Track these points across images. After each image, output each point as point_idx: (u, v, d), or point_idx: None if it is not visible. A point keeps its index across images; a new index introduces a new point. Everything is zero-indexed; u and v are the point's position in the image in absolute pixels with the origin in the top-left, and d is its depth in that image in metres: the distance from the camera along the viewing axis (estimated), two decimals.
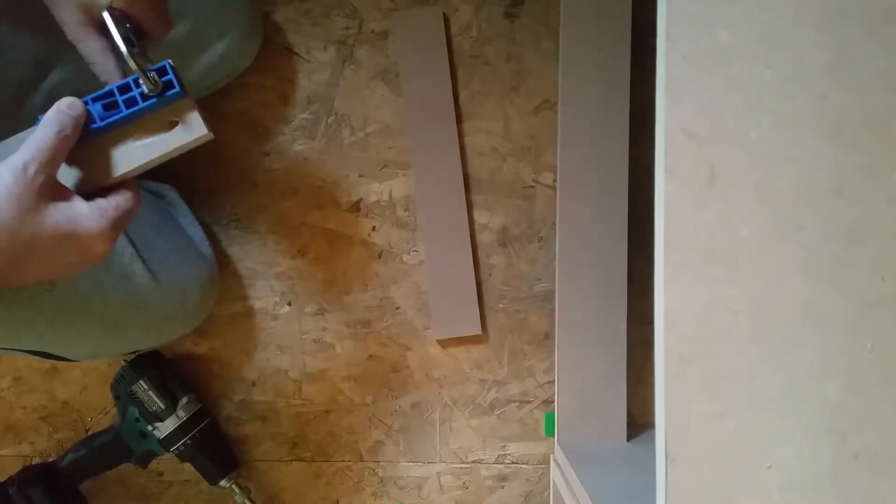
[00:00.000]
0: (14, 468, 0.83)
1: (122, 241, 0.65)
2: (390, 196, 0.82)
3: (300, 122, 0.82)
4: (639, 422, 0.82)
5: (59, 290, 0.59)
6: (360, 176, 0.82)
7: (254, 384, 0.85)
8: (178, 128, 0.49)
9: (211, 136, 0.50)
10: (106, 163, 0.49)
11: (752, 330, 0.34)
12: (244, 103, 0.81)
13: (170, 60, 0.48)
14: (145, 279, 0.66)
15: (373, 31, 0.81)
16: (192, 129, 0.49)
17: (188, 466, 0.84)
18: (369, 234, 0.83)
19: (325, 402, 0.85)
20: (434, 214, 0.81)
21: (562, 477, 0.75)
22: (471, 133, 0.81)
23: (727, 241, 0.34)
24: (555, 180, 0.81)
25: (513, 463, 0.85)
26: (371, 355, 0.84)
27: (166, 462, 0.86)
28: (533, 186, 0.82)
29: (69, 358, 0.69)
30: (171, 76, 0.47)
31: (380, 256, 0.83)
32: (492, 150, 0.81)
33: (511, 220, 0.82)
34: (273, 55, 0.80)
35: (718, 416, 0.34)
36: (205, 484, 0.84)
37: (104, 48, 0.49)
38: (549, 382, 0.84)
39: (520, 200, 0.82)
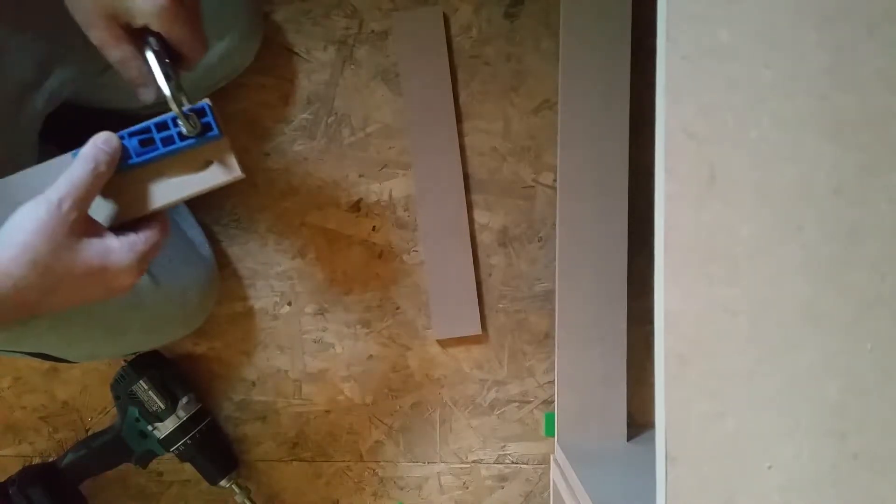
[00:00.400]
0: (14, 468, 0.83)
1: None
2: (390, 196, 0.82)
3: (300, 122, 0.82)
4: (639, 422, 0.82)
5: None
6: (360, 176, 0.82)
7: (254, 384, 0.85)
8: (212, 167, 0.49)
9: (243, 176, 0.50)
10: (139, 196, 0.49)
11: (752, 330, 0.34)
12: (244, 103, 0.81)
13: (209, 101, 0.48)
14: (145, 281, 0.66)
15: (373, 31, 0.81)
16: (226, 171, 0.49)
17: (188, 466, 0.84)
18: (369, 234, 0.83)
19: (325, 402, 0.85)
20: (434, 214, 0.81)
21: (562, 477, 0.75)
22: (471, 133, 0.81)
23: (727, 241, 0.34)
24: (555, 180, 0.81)
25: (513, 463, 0.85)
26: (371, 355, 0.84)
27: (166, 462, 0.86)
28: (533, 186, 0.82)
29: (69, 359, 0.69)
30: (209, 118, 0.48)
31: (380, 256, 0.83)
32: (492, 150, 0.82)
33: (511, 220, 0.82)
34: (273, 55, 0.80)
35: (718, 416, 0.34)
36: (205, 484, 0.84)
37: (134, 55, 0.48)
38: (549, 382, 0.84)
39: (520, 200, 0.82)
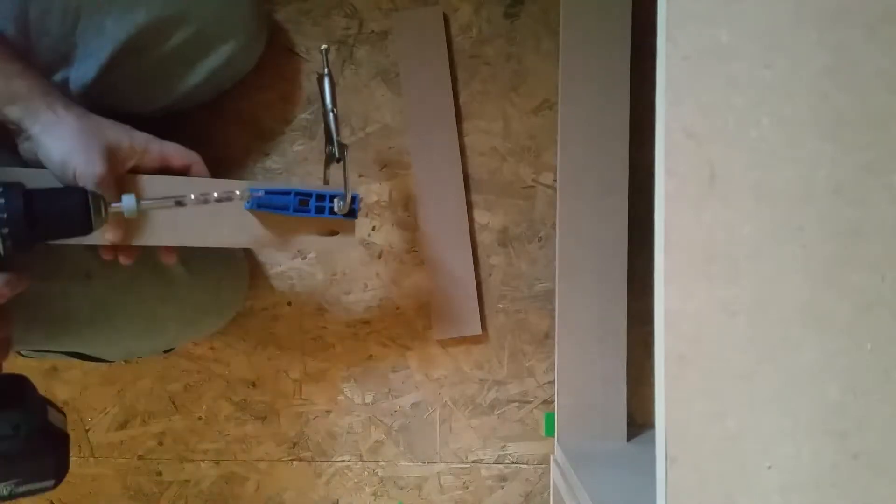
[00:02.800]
0: None
1: None
2: (390, 196, 0.82)
3: (300, 122, 0.82)
4: (639, 422, 0.82)
5: (95, 283, 0.61)
6: (360, 176, 0.82)
7: (254, 384, 0.85)
8: (337, 237, 0.62)
9: (354, 247, 0.67)
10: (275, 234, 0.60)
11: (752, 330, 0.34)
12: (244, 103, 0.81)
13: (360, 195, 0.60)
14: (179, 271, 0.67)
15: (373, 31, 0.81)
16: (346, 242, 0.63)
17: (188, 466, 0.84)
18: (369, 234, 0.83)
19: (325, 402, 0.85)
20: (434, 214, 0.81)
21: (562, 477, 0.75)
22: (471, 133, 0.81)
23: (727, 241, 0.34)
24: (555, 180, 0.81)
25: (513, 463, 0.85)
26: (371, 355, 0.84)
27: (166, 462, 0.86)
28: (533, 186, 0.82)
29: (106, 358, 0.70)
30: (356, 206, 0.60)
31: (380, 256, 0.83)
32: (492, 150, 0.81)
33: (511, 220, 0.82)
34: (273, 55, 0.80)
35: (718, 416, 0.34)
36: (205, 484, 0.85)
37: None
38: (549, 382, 0.84)
39: (520, 200, 0.82)
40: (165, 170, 0.57)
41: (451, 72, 0.80)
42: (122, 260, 0.57)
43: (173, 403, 0.86)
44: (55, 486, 0.53)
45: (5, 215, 0.45)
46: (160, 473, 0.87)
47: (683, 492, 0.33)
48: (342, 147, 0.60)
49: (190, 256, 0.69)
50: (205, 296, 0.72)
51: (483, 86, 0.81)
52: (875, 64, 0.34)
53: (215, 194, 0.54)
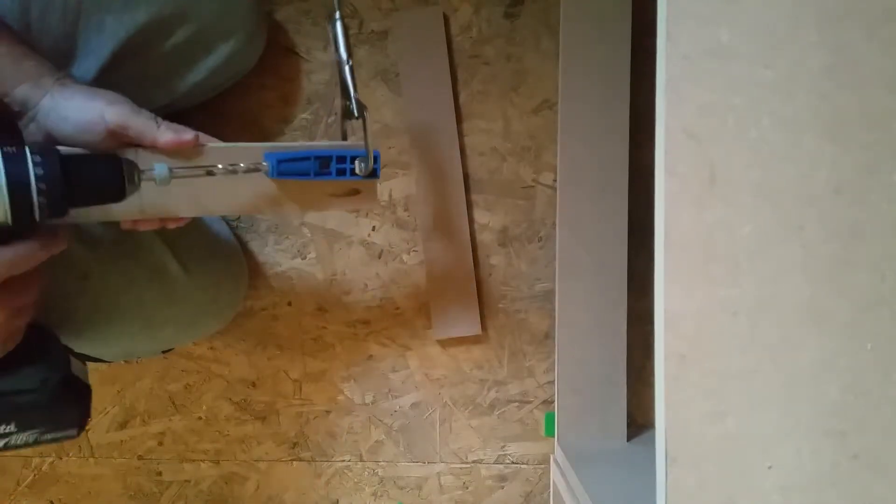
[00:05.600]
0: (14, 468, 0.83)
1: (150, 235, 0.66)
2: (390, 196, 0.82)
3: (300, 122, 0.82)
4: (639, 422, 0.82)
5: (93, 283, 0.61)
6: None
7: (254, 384, 0.85)
8: (358, 196, 0.60)
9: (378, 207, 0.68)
10: (298, 199, 0.59)
11: (752, 330, 0.34)
12: (244, 103, 0.81)
13: (379, 151, 0.57)
14: (177, 272, 0.67)
15: (373, 31, 0.81)
16: (368, 201, 0.61)
17: (188, 466, 0.84)
18: (369, 234, 0.83)
19: (325, 402, 0.85)
20: (434, 214, 0.81)
21: (562, 477, 0.75)
22: (471, 133, 0.81)
23: (727, 241, 0.34)
24: (555, 180, 0.81)
25: (513, 463, 0.85)
26: (371, 355, 0.84)
27: (166, 462, 0.86)
28: (533, 186, 0.82)
29: (105, 359, 0.70)
30: (377, 165, 0.58)
31: (380, 256, 0.83)
32: (492, 150, 0.81)
33: (511, 220, 0.82)
34: (273, 55, 0.80)
35: (718, 416, 0.34)
36: (205, 484, 0.85)
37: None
38: (549, 382, 0.84)
39: (520, 200, 0.82)
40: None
41: (451, 72, 0.80)
42: (172, 225, 0.56)
43: (173, 403, 0.86)
44: (78, 433, 0.55)
45: (44, 181, 0.44)
46: (160, 473, 0.87)
47: (683, 492, 0.33)
48: (360, 105, 0.56)
49: (188, 257, 0.69)
50: (203, 296, 0.72)
51: (483, 86, 0.81)
52: (875, 64, 0.34)
53: (242, 164, 0.54)
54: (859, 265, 0.34)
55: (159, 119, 0.53)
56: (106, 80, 0.64)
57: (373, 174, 0.58)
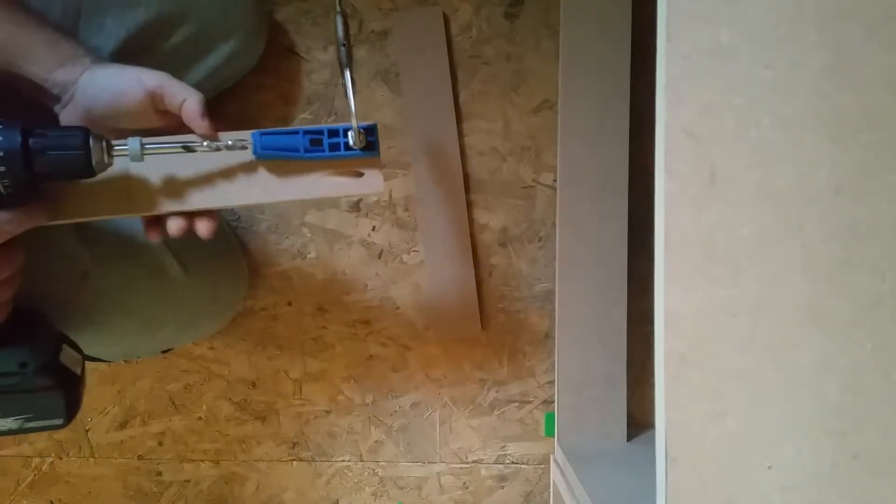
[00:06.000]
0: (15, 468, 0.83)
1: None
2: (390, 196, 0.82)
3: (300, 122, 0.82)
4: (639, 422, 0.82)
5: (92, 283, 0.61)
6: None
7: (254, 384, 0.85)
8: (361, 178, 0.54)
9: (382, 191, 0.58)
10: (293, 184, 0.54)
11: (752, 330, 0.34)
12: (244, 103, 0.81)
13: (376, 123, 0.53)
14: (176, 271, 0.67)
15: (373, 31, 0.81)
16: (372, 184, 0.55)
17: (188, 466, 0.84)
18: (369, 234, 0.83)
19: (325, 402, 0.85)
20: (434, 214, 0.81)
21: (562, 477, 0.75)
22: (471, 133, 0.81)
23: (727, 241, 0.34)
24: (555, 180, 0.81)
25: (513, 463, 0.85)
26: (371, 355, 0.84)
27: (166, 462, 0.86)
28: (533, 186, 0.82)
29: (104, 359, 0.70)
30: (374, 138, 0.53)
31: (380, 256, 0.83)
32: (492, 150, 0.81)
33: (511, 220, 0.82)
34: (273, 55, 0.80)
35: (718, 416, 0.34)
36: (205, 484, 0.85)
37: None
38: (549, 382, 0.84)
39: (520, 200, 0.82)
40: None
41: (451, 72, 0.80)
42: (203, 229, 0.54)
43: (173, 403, 0.86)
44: (65, 424, 0.53)
45: (2, 150, 0.43)
46: (160, 473, 0.87)
47: (683, 492, 0.33)
48: (350, 55, 0.52)
49: (188, 257, 0.69)
50: (203, 296, 0.72)
51: (483, 86, 0.81)
52: (875, 64, 0.34)
53: (229, 141, 0.50)
54: (859, 265, 0.34)
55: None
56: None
57: (370, 148, 0.53)
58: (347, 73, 0.52)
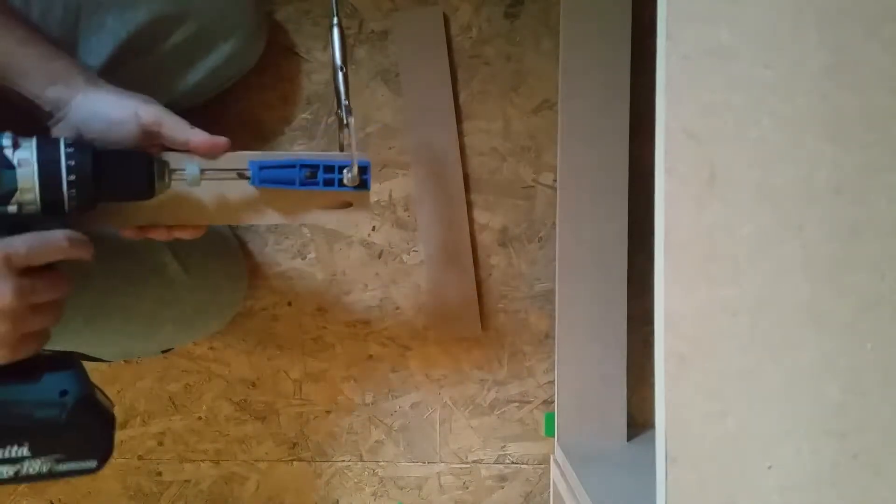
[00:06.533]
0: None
1: None
2: (390, 196, 0.82)
3: (300, 122, 0.82)
4: (639, 422, 0.82)
5: (93, 283, 0.61)
6: None
7: (254, 384, 0.85)
8: (349, 209, 0.58)
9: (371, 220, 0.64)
10: (286, 210, 0.57)
11: (752, 330, 0.34)
12: (244, 103, 0.81)
13: (370, 161, 0.56)
14: (176, 271, 0.67)
15: (373, 31, 0.81)
16: (359, 215, 0.58)
17: (188, 466, 0.84)
18: (369, 234, 0.83)
19: (325, 402, 0.85)
20: (434, 214, 0.81)
21: (562, 477, 0.75)
22: (471, 133, 0.81)
23: (727, 241, 0.34)
24: (555, 180, 0.81)
25: (513, 463, 0.85)
26: (371, 355, 0.84)
27: (166, 462, 0.86)
28: (533, 186, 0.82)
29: (104, 359, 0.70)
30: (368, 176, 0.56)
31: (380, 256, 0.83)
32: (492, 150, 0.81)
33: (511, 220, 0.82)
34: (273, 55, 0.80)
35: (719, 416, 0.34)
36: (205, 484, 0.84)
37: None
38: (549, 382, 0.84)
39: (520, 200, 0.82)
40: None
41: (451, 72, 0.80)
42: (187, 235, 0.56)
43: (173, 403, 0.86)
44: (98, 468, 0.49)
45: (74, 173, 0.45)
46: (160, 473, 0.87)
47: (683, 492, 0.34)
48: (348, 111, 0.56)
49: (188, 257, 0.69)
50: (203, 296, 0.72)
51: (483, 86, 0.81)
52: (875, 64, 0.34)
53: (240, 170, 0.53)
54: (859, 265, 0.34)
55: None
56: (106, 80, 0.64)
57: (362, 185, 0.56)
58: (345, 104, 0.55)
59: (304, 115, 0.82)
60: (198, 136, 0.52)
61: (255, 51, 0.75)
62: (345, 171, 0.55)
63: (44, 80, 0.50)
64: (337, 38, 0.56)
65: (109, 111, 0.50)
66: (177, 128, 0.52)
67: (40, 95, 0.50)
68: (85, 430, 0.48)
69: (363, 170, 0.55)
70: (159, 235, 0.55)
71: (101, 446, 0.49)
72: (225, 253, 0.76)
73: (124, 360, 0.84)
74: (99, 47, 0.62)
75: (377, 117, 0.82)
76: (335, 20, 0.56)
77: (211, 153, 0.52)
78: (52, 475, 0.48)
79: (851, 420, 0.34)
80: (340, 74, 0.56)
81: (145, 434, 0.86)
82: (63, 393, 0.47)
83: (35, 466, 0.47)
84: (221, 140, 0.53)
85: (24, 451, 0.46)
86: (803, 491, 0.34)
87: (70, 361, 0.50)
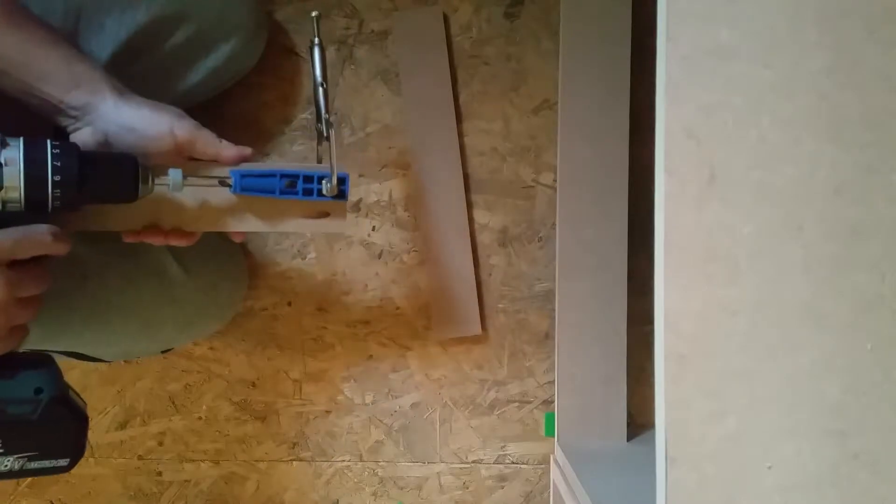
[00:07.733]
0: None
1: None
2: (390, 196, 0.82)
3: (300, 122, 0.82)
4: (639, 422, 0.82)
5: (92, 283, 0.61)
6: (360, 176, 0.82)
7: (254, 384, 0.85)
8: (327, 219, 0.60)
9: (350, 234, 0.62)
10: (264, 218, 0.59)
11: (752, 330, 0.34)
12: (244, 103, 0.81)
13: (348, 174, 0.58)
14: (176, 272, 0.67)
15: (373, 31, 0.81)
16: (338, 225, 0.60)
17: (188, 466, 0.84)
18: (369, 234, 0.83)
19: (325, 402, 0.85)
20: (434, 214, 0.81)
21: (562, 477, 0.75)
22: (471, 133, 0.81)
23: (727, 241, 0.34)
24: (555, 180, 0.81)
25: (513, 463, 0.85)
26: (371, 355, 0.84)
27: (166, 462, 0.86)
28: (533, 186, 0.82)
29: (104, 359, 0.70)
30: (346, 187, 0.58)
31: (380, 256, 0.83)
32: (492, 150, 0.81)
33: (511, 220, 0.82)
34: (273, 55, 0.80)
35: (718, 416, 0.34)
36: (205, 484, 0.84)
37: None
38: (549, 382, 0.84)
39: (520, 200, 0.82)
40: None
41: (451, 72, 0.80)
42: (182, 242, 0.57)
43: (173, 403, 0.86)
44: (70, 467, 0.50)
45: (60, 173, 0.46)
46: (160, 473, 0.87)
47: (683, 492, 0.33)
48: (328, 125, 0.58)
49: (188, 257, 0.69)
50: (202, 297, 0.72)
51: (483, 86, 0.81)
52: (875, 64, 0.34)
53: (223, 178, 0.55)
54: (859, 265, 0.34)
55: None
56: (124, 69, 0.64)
57: (340, 196, 0.58)
58: (325, 118, 0.57)
59: (304, 115, 0.82)
60: (228, 151, 0.54)
61: (255, 51, 0.75)
62: (324, 181, 0.57)
63: (66, 84, 0.50)
64: (318, 55, 0.58)
65: (146, 127, 0.51)
66: (209, 142, 0.54)
67: (62, 99, 0.50)
68: (57, 429, 0.49)
69: (341, 181, 0.57)
70: (155, 240, 0.56)
71: (73, 445, 0.50)
72: (225, 253, 0.76)
73: (124, 360, 0.84)
74: (99, 48, 0.62)
75: (377, 117, 0.82)
76: (316, 39, 0.58)
77: (237, 163, 0.55)
78: (23, 473, 0.48)
79: (851, 420, 0.34)
80: (321, 90, 0.58)
81: (145, 434, 0.86)
82: (38, 391, 0.48)
83: (7, 463, 0.47)
84: (248, 151, 0.55)
85: None
86: (803, 491, 0.34)
87: (46, 361, 0.51)
